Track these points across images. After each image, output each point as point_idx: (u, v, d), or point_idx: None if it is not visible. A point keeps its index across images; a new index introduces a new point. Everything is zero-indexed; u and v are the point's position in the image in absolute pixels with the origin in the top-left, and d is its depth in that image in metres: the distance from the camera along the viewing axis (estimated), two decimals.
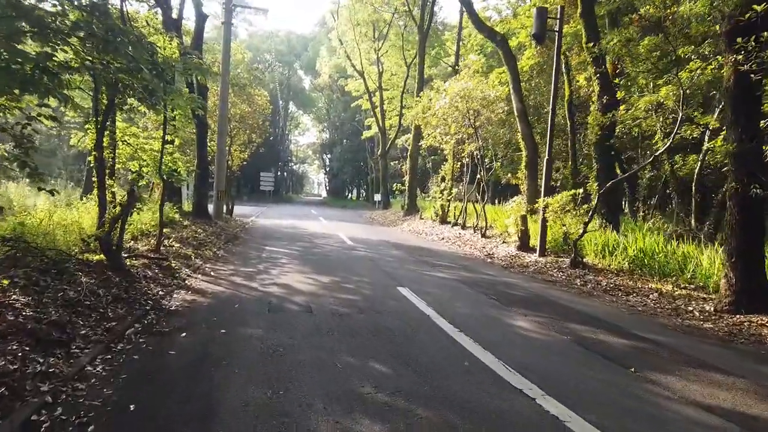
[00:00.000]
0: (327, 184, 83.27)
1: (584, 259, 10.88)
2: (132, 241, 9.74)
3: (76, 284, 5.87)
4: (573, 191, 11.01)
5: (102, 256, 7.08)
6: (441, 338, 5.44)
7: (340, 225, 22.63)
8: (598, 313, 7.16)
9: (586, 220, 10.55)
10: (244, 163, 21.85)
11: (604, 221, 12.63)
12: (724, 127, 7.84)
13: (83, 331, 4.83)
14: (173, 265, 8.50)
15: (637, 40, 10.41)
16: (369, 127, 39.65)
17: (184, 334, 5.18)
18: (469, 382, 4.18)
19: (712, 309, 7.27)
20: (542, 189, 12.25)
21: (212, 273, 8.82)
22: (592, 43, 11.98)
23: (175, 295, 6.86)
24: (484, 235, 15.65)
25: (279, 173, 65.84)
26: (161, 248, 9.31)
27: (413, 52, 32.40)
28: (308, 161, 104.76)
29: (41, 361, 4.05)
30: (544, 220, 12.09)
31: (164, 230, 11.88)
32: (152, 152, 13.25)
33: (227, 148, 20.33)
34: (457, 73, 26.15)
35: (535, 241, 13.11)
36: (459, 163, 20.23)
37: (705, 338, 6.21)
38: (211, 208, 18.21)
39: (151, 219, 12.60)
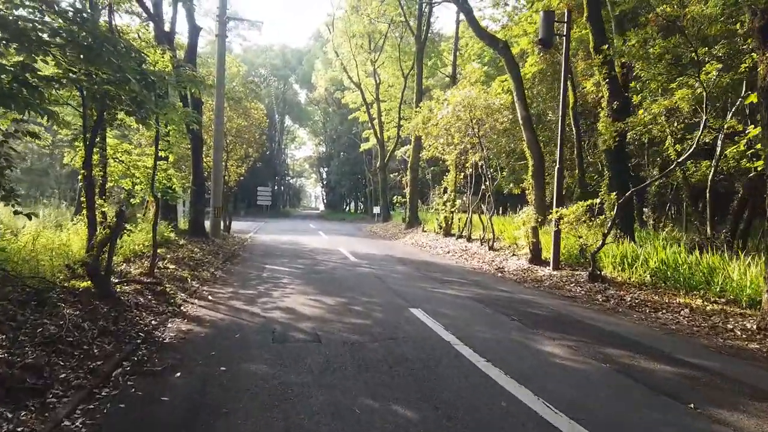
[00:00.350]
0: (324, 198, 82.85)
1: (602, 273, 10.32)
2: (124, 264, 9.15)
3: (58, 317, 5.27)
4: (590, 201, 10.48)
5: (89, 282, 6.49)
6: (468, 370, 4.85)
7: (340, 239, 22.05)
8: (630, 334, 6.59)
9: (605, 231, 10.01)
10: (241, 178, 21.32)
11: (618, 231, 12.09)
12: (755, 127, 7.33)
13: (63, 374, 4.23)
14: (168, 289, 7.90)
15: (654, 41, 9.96)
16: (367, 140, 39.22)
17: (178, 373, 4.58)
18: (512, 430, 3.59)
19: (755, 327, 6.71)
20: (554, 199, 11.72)
21: (210, 297, 8.22)
22: (606, 45, 11.53)
23: (169, 325, 6.26)
24: (491, 248, 15.09)
25: (276, 187, 65.35)
26: (155, 271, 8.71)
27: (410, 64, 32.12)
28: (305, 175, 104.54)
29: (10, 416, 3.46)
30: (558, 232, 11.56)
31: (159, 251, 11.31)
32: (145, 169, 12.71)
33: (224, 163, 19.79)
34: (455, 84, 25.85)
35: (547, 253, 12.56)
36: (462, 174, 19.73)
37: (755, 361, 5.63)
38: (208, 225, 17.63)
39: (145, 239, 12.01)
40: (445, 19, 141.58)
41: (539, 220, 12.93)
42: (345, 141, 55.04)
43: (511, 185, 22.13)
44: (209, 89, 19.56)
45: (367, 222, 41.91)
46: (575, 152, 17.68)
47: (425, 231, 22.84)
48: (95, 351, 4.89)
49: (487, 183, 15.65)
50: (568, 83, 17.99)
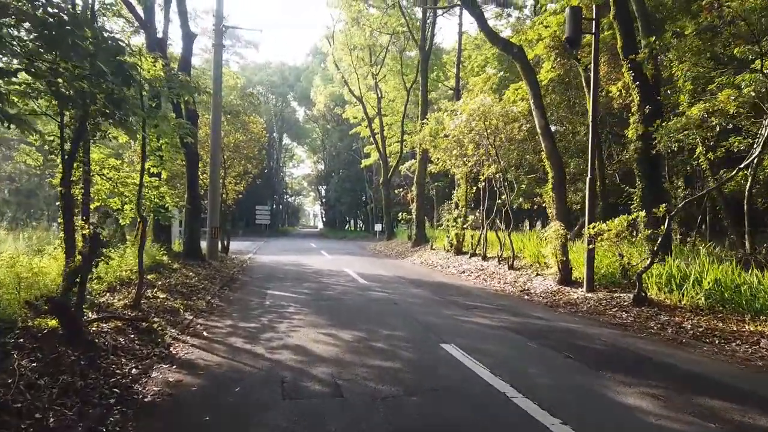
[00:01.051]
0: (323, 216, 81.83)
1: (647, 295, 9.17)
2: (108, 294, 7.98)
3: (9, 373, 4.10)
4: (637, 214, 9.37)
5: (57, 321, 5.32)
6: None
7: (345, 259, 20.89)
8: (717, 375, 5.42)
9: (653, 248, 8.88)
10: (240, 196, 20.23)
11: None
12: None
13: None
14: (155, 325, 6.72)
15: (698, 34, 8.97)
16: (368, 155, 38.28)
17: None
18: None
19: None
20: (586, 213, 10.62)
21: (205, 333, 7.03)
22: (640, 41, 10.55)
23: (154, 374, 5.08)
24: (511, 267, 13.93)
25: (275, 206, 64.25)
26: (141, 302, 7.54)
27: (412, 77, 31.32)
28: (303, 193, 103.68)
29: None
30: (592, 250, 10.43)
31: (149, 277, 10.16)
32: (135, 187, 11.63)
33: (221, 180, 18.71)
34: (459, 97, 24.98)
35: (578, 272, 11.42)
36: (473, 189, 18.66)
37: None
38: (204, 245, 16.47)
39: (135, 264, 10.86)
40: (445, 32, 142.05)
41: (563, 235, 11.82)
42: (345, 158, 54.13)
43: (521, 200, 21.06)
44: (204, 102, 18.60)
45: (369, 240, 40.74)
46: (597, 163, 16.60)
47: (434, 249, 21.69)
48: (51, 421, 3.71)
49: (504, 197, 14.54)
50: (586, 91, 17.04)
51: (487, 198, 17.09)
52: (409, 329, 7.36)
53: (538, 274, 12.75)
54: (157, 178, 11.97)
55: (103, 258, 5.88)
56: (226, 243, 18.93)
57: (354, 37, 29.23)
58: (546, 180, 16.67)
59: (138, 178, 11.68)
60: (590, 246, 10.45)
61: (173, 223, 16.15)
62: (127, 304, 7.38)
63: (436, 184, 32.56)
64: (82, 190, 9.73)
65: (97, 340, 5.47)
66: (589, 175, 10.72)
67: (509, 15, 30.51)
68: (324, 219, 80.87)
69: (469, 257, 17.33)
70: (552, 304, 10.07)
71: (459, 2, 19.46)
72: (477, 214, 17.81)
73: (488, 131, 14.38)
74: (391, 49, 31.10)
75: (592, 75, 10.78)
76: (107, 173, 10.68)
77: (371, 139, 36.26)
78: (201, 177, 18.27)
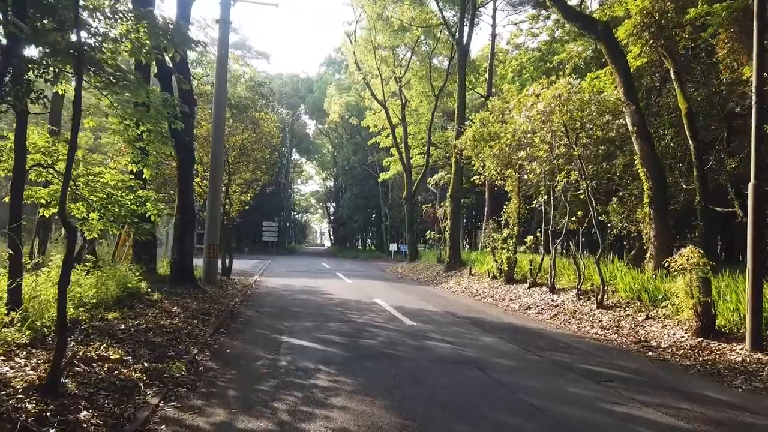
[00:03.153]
0: (331, 234, 78.73)
1: None
2: (22, 354, 4.74)
3: None
4: None
5: None
6: None
7: (368, 285, 17.56)
8: None
9: None
10: (246, 207, 17.01)
11: None
12: None
13: None
14: None
15: None
16: (387, 168, 35.10)
17: None
18: None
19: None
20: (751, 234, 7.27)
21: None
22: None
23: None
24: (602, 305, 10.54)
25: (282, 223, 61.09)
26: (64, 378, 4.24)
27: (439, 84, 28.27)
28: (311, 210, 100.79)
29: None
30: (759, 285, 7.08)
31: (110, 316, 6.92)
32: (103, 186, 8.49)
33: (223, 187, 15.53)
34: (489, 103, 21.87)
35: (724, 319, 8.04)
36: (532, 202, 15.37)
37: None
38: (200, 266, 13.22)
39: (98, 292, 7.64)
40: (473, 41, 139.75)
41: (665, 263, 8.45)
42: (358, 173, 51.04)
43: (618, 219, 17.58)
44: (206, 93, 15.49)
45: (384, 261, 37.41)
46: (695, 172, 13.30)
47: (473, 275, 18.30)
48: None
49: (593, 212, 11.18)
50: (676, 84, 13.80)
51: (550, 216, 13.73)
52: None
53: (648, 317, 9.34)
54: (137, 179, 8.83)
55: None
56: (227, 263, 15.66)
57: (378, 32, 26.27)
58: (632, 193, 13.37)
59: (107, 177, 8.59)
60: (755, 279, 7.11)
61: (163, 237, 12.97)
62: (37, 382, 4.08)
63: (464, 200, 29.26)
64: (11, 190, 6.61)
65: None
66: (752, 181, 7.40)
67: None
68: (332, 237, 77.84)
69: (528, 287, 13.92)
70: (706, 369, 6.68)
71: None
72: (537, 234, 14.45)
73: (571, 127, 11.11)
74: (418, 51, 28.15)
75: (754, 37, 7.53)
76: (59, 166, 7.56)
77: (391, 150, 33.16)
78: (200, 184, 15.12)
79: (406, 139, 28.20)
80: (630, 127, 11.42)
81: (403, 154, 28.15)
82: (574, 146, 11.14)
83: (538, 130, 11.68)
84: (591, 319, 10.07)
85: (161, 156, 10.23)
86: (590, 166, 11.60)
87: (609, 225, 12.89)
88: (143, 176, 9.60)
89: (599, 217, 11.51)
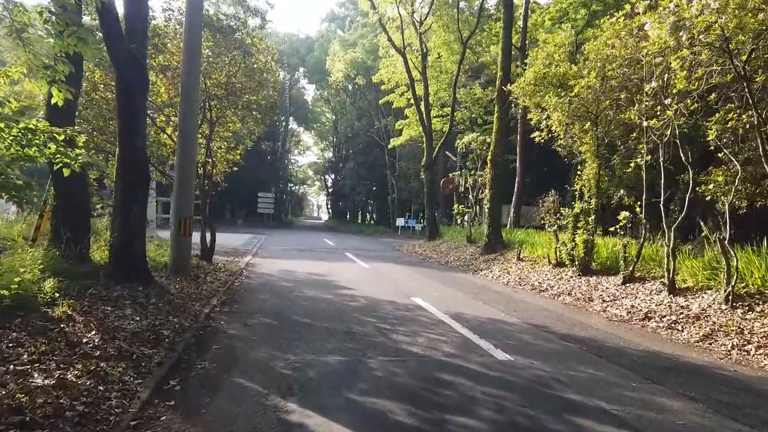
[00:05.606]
0: (329, 207, 74.89)
1: None
2: None
3: None
4: None
5: None
6: None
7: (390, 270, 13.79)
8: None
9: None
10: (235, 169, 12.92)
11: None
12: None
13: None
14: None
15: None
16: (399, 133, 30.85)
17: None
18: None
19: None
20: None
21: None
22: None
23: None
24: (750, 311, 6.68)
25: (279, 195, 56.93)
26: None
27: (467, 32, 23.78)
28: (308, 182, 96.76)
29: None
30: None
31: None
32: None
33: (203, 139, 11.48)
34: (525, 57, 17.71)
35: None
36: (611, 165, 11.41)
37: None
38: (160, 249, 9.29)
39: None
40: None
41: None
42: (362, 140, 46.70)
43: (622, 192, 13.76)
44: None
45: (392, 237, 33.57)
46: None
47: (522, 259, 14.43)
48: None
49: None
50: None
51: (664, 183, 9.72)
52: None
53: None
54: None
55: None
56: (208, 243, 11.70)
57: None
58: None
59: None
60: None
61: (100, 202, 9.06)
62: None
63: (478, 172, 25.09)
64: None
65: None
66: None
67: None
68: (330, 210, 74.05)
69: (623, 283, 10.05)
70: None
71: None
72: (637, 208, 10.42)
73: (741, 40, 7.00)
74: None
75: None
76: None
77: (405, 112, 28.91)
78: (172, 135, 11.09)
79: (426, 96, 23.93)
80: None
81: (423, 114, 23.93)
82: (742, 69, 7.09)
83: (699, 39, 7.49)
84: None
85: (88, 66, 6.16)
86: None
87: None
88: (53, 102, 5.63)
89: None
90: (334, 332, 6.33)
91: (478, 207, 21.64)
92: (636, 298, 9.22)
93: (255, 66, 11.41)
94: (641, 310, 8.56)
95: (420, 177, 29.13)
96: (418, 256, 19.65)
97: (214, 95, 11.26)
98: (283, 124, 58.40)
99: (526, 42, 23.40)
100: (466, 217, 19.80)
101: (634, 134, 10.51)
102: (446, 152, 26.45)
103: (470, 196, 21.94)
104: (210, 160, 11.84)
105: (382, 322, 7.07)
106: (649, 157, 10.29)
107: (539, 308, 9.05)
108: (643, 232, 10.21)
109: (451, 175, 26.40)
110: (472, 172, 21.52)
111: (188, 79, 9.66)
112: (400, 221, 37.67)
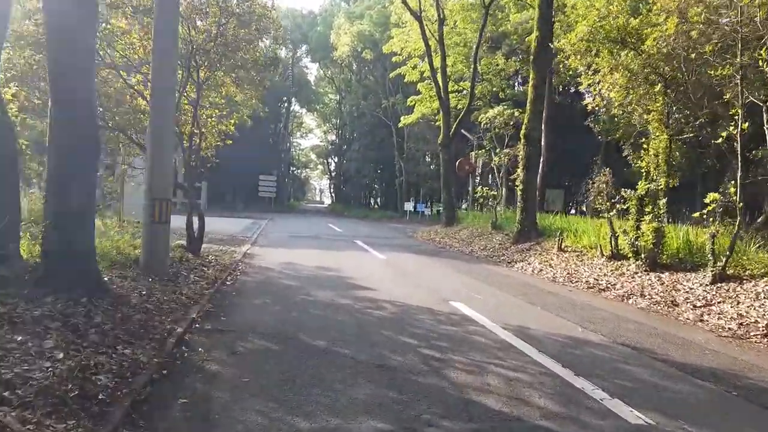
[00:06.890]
0: (333, 191, 72.71)
1: None
2: None
3: None
4: None
5: None
6: None
7: (412, 263, 11.83)
8: None
9: None
10: (229, 141, 10.82)
11: None
12: None
13: None
14: None
15: None
16: (410, 110, 28.60)
17: None
18: None
19: None
20: None
21: None
22: None
23: None
24: None
25: (281, 178, 54.73)
26: None
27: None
28: (310, 166, 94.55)
29: None
30: None
31: None
32: None
33: (187, 104, 9.39)
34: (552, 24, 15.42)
35: None
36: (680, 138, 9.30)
37: None
38: (119, 241, 7.28)
39: None
40: None
41: None
42: (368, 121, 44.37)
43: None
44: None
45: (400, 222, 31.59)
46: None
47: (564, 250, 12.38)
48: None
49: None
50: None
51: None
52: None
53: None
54: None
55: None
56: (195, 231, 9.66)
57: None
58: None
59: None
60: None
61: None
62: None
63: (505, 151, 22.80)
64: None
65: None
66: None
67: None
68: (333, 195, 71.88)
69: (711, 282, 8.00)
70: None
71: None
72: (731, 190, 8.35)
73: None
74: None
75: None
76: None
77: (419, 87, 26.61)
78: (145, 92, 8.94)
79: (444, 67, 21.63)
80: None
81: (441, 86, 21.67)
82: None
83: None
84: None
85: None
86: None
87: None
88: None
89: None
90: (362, 366, 4.31)
91: (504, 189, 19.51)
92: (738, 303, 7.19)
93: (253, 11, 9.21)
94: (756, 320, 6.53)
95: (427, 159, 27.00)
96: (437, 244, 17.62)
97: (202, 49, 9.12)
98: (285, 104, 56.09)
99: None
100: (490, 201, 17.68)
101: (727, 94, 8.37)
102: (462, 131, 24.22)
103: (497, 178, 19.80)
104: (198, 131, 9.75)
105: (426, 347, 5.05)
106: (746, 124, 8.19)
107: (617, 318, 7.01)
108: (739, 218, 8.13)
109: (472, 153, 24.18)
110: (498, 151, 19.33)
111: (160, 24, 7.55)
112: (408, 206, 35.78)
